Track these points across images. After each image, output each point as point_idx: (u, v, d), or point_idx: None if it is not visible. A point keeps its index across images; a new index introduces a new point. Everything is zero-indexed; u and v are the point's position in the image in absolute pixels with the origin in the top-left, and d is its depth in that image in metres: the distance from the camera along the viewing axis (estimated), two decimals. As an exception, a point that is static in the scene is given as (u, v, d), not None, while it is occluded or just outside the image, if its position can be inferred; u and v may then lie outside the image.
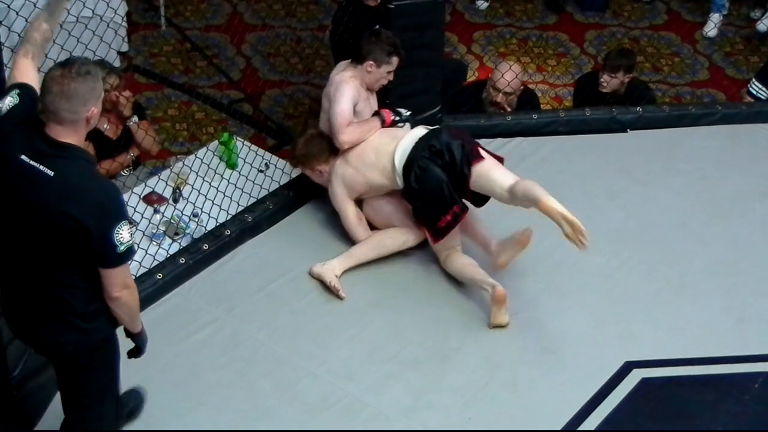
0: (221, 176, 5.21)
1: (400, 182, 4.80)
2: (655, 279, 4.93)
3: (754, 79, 6.28)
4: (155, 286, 4.63)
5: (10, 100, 3.33)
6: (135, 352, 3.65)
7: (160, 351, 4.12)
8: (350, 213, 4.98)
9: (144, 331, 3.60)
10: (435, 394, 4.36)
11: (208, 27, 7.31)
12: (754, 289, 4.89)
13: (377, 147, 4.89)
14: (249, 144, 5.53)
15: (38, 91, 3.32)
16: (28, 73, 3.46)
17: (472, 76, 6.73)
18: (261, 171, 5.33)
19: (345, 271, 4.86)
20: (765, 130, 5.89)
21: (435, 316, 4.70)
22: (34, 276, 3.35)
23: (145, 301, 4.49)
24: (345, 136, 4.88)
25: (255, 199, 5.19)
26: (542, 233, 4.94)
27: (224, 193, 5.08)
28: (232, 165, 5.37)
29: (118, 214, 3.25)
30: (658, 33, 7.58)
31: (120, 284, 3.32)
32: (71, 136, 3.24)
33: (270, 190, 5.26)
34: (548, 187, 5.20)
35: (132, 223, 3.23)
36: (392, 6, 5.17)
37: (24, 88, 3.38)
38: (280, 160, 5.47)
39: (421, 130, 4.86)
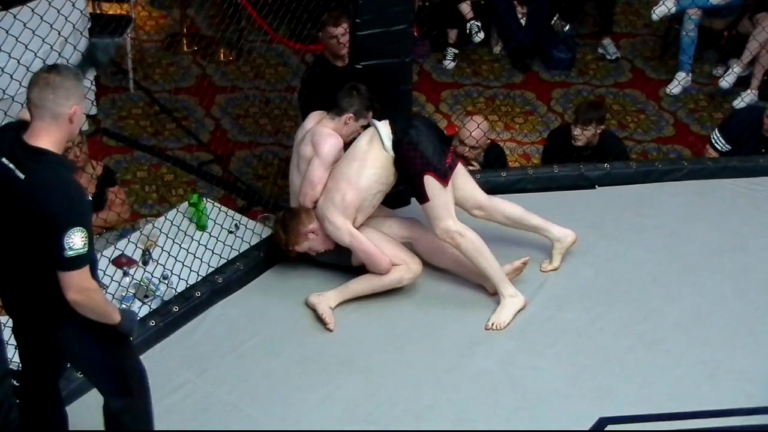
0: (191, 238, 5.18)
1: (391, 153, 4.85)
2: (627, 334, 4.93)
3: (717, 129, 6.36)
4: (125, 349, 4.58)
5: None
6: (123, 337, 3.70)
7: (131, 415, 4.06)
8: (361, 237, 4.90)
9: (125, 319, 3.59)
10: (409, 454, 4.34)
11: (177, 89, 7.33)
12: (725, 343, 4.90)
13: (354, 154, 4.92)
14: (219, 205, 5.52)
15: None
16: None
17: (440, 135, 6.77)
18: (231, 232, 5.32)
19: (339, 304, 4.94)
20: (731, 185, 5.94)
21: (408, 375, 4.68)
22: (22, 276, 3.46)
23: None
24: (319, 188, 4.93)
25: (225, 260, 5.17)
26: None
27: (194, 255, 5.06)
28: (201, 226, 5.35)
29: (72, 219, 3.31)
30: (623, 90, 7.68)
31: (73, 288, 3.36)
32: (51, 136, 3.34)
33: (240, 251, 5.24)
34: (518, 243, 5.24)
35: (88, 231, 3.35)
36: (360, 66, 5.20)
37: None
38: (250, 220, 5.46)
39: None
